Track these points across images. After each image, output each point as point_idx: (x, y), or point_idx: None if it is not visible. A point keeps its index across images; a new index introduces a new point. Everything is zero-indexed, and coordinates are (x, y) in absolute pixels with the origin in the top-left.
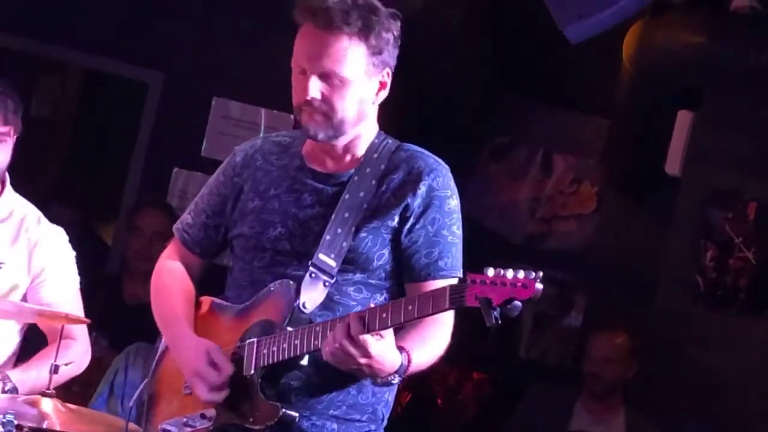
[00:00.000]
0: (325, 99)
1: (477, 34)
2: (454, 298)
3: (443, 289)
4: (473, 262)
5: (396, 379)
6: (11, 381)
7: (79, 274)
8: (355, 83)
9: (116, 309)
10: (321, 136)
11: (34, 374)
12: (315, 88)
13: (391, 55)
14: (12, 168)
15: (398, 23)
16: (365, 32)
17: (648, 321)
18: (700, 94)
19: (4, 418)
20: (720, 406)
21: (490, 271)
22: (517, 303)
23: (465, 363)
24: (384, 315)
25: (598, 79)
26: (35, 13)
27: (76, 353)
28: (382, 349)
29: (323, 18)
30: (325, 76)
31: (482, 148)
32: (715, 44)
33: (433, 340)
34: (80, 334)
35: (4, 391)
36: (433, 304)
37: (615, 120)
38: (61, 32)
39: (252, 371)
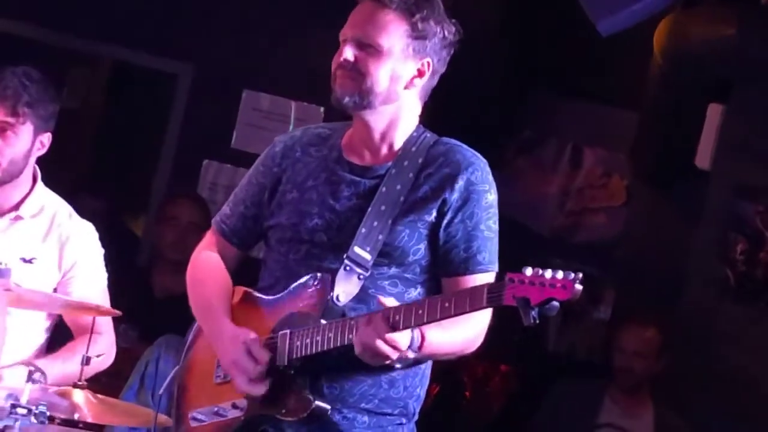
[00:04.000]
0: (357, 64)
1: (507, 27)
2: (492, 296)
3: (481, 287)
4: (502, 254)
5: (411, 355)
6: (39, 368)
7: (109, 265)
8: (389, 57)
9: (146, 301)
10: (347, 99)
11: (60, 364)
12: (350, 51)
13: (435, 49)
14: (41, 160)
15: (453, 29)
16: (411, 11)
17: (676, 315)
18: (731, 87)
19: (36, 409)
20: (748, 401)
21: (528, 271)
22: (555, 303)
23: (493, 356)
24: (420, 311)
25: (629, 72)
26: (64, 4)
27: (102, 347)
28: (407, 339)
29: None
30: (362, 44)
31: (511, 142)
32: (745, 37)
33: (455, 325)
34: (106, 329)
35: (31, 378)
36: (471, 302)
37: (645, 113)
38: (90, 24)
39: (285, 362)
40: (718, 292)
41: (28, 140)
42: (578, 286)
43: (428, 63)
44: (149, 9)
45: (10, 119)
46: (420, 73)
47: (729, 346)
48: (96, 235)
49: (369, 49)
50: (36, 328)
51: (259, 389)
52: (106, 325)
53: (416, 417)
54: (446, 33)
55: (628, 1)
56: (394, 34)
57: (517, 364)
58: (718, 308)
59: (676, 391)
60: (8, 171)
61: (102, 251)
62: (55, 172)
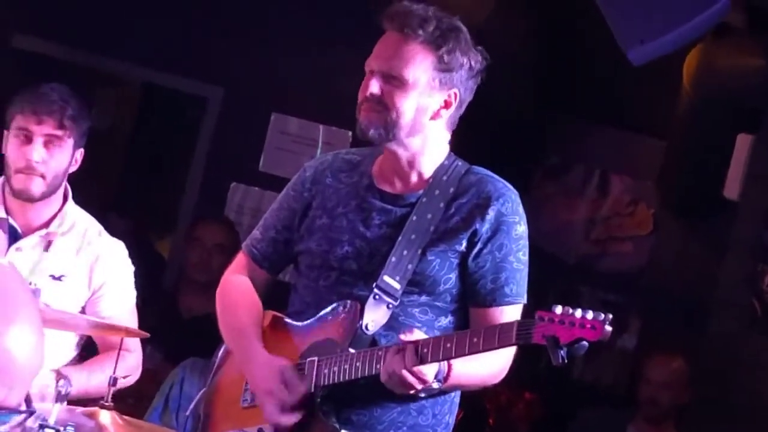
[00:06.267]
0: (383, 97)
1: (535, 52)
2: (521, 334)
3: (510, 324)
4: (528, 281)
5: (436, 385)
6: (64, 375)
7: (136, 286)
8: (415, 89)
9: (172, 322)
10: (372, 132)
11: (85, 376)
12: (375, 84)
13: (462, 80)
14: (70, 179)
15: (479, 58)
16: (437, 44)
17: (703, 345)
18: (760, 117)
19: (64, 429)
20: None
21: (558, 309)
22: (584, 343)
23: (517, 383)
24: (449, 345)
25: (657, 101)
26: (94, 26)
27: (130, 365)
28: (433, 370)
29: (400, 21)
30: (388, 76)
31: (538, 168)
32: None
33: (481, 357)
34: (135, 346)
35: (57, 384)
36: (500, 337)
37: (673, 142)
38: (120, 46)
39: (312, 390)
40: (745, 323)
41: (69, 155)
42: (608, 328)
43: (455, 94)
44: (179, 32)
45: (58, 132)
46: (447, 105)
47: (756, 376)
48: (126, 253)
49: (394, 81)
50: (66, 343)
51: (291, 420)
52: (135, 342)
53: None
54: (473, 63)
55: (659, 31)
56: (420, 67)
57: (542, 392)
58: (745, 339)
59: (701, 422)
60: (51, 185)
61: (132, 269)
62: (84, 192)
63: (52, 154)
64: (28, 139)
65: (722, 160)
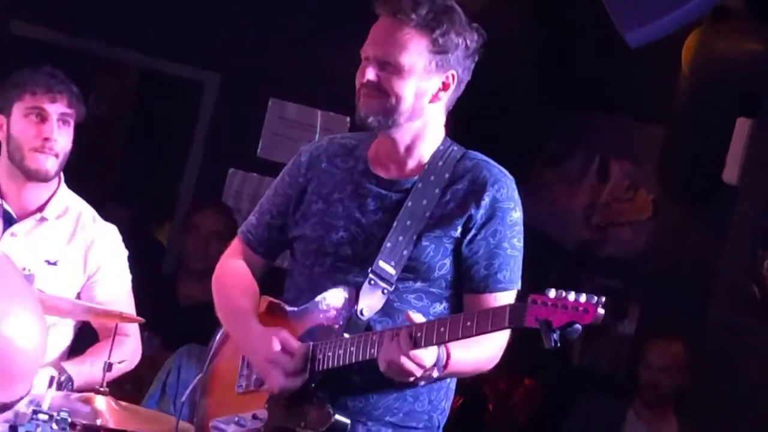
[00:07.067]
0: (380, 84)
1: (534, 39)
2: (514, 317)
3: (503, 307)
4: (527, 268)
5: (435, 373)
6: (66, 372)
7: (134, 273)
8: (412, 74)
9: (170, 309)
10: (371, 119)
11: (88, 368)
12: (372, 71)
13: (459, 61)
14: (69, 167)
15: (475, 36)
16: (431, 27)
17: (702, 331)
18: (759, 101)
19: (58, 415)
20: None
21: (552, 293)
22: (578, 326)
23: (516, 368)
24: (442, 329)
25: (656, 86)
26: (93, 13)
27: (128, 350)
28: (433, 357)
29: (392, 5)
30: (383, 63)
31: (538, 155)
32: None
33: (477, 343)
34: (132, 331)
35: (59, 382)
36: (492, 321)
37: (672, 127)
38: (118, 33)
39: (307, 375)
40: (744, 309)
41: (72, 134)
42: (600, 311)
43: (453, 75)
44: (176, 18)
45: (69, 110)
46: (445, 86)
47: (755, 362)
48: (119, 237)
49: (390, 68)
50: (63, 330)
51: (297, 382)
52: (132, 327)
53: (441, 431)
54: (468, 43)
55: (656, 14)
56: (415, 52)
57: (541, 378)
58: (744, 324)
59: (701, 406)
60: (61, 164)
61: (126, 253)
62: (83, 179)
63: (62, 133)
64: (43, 118)
65: (721, 145)
